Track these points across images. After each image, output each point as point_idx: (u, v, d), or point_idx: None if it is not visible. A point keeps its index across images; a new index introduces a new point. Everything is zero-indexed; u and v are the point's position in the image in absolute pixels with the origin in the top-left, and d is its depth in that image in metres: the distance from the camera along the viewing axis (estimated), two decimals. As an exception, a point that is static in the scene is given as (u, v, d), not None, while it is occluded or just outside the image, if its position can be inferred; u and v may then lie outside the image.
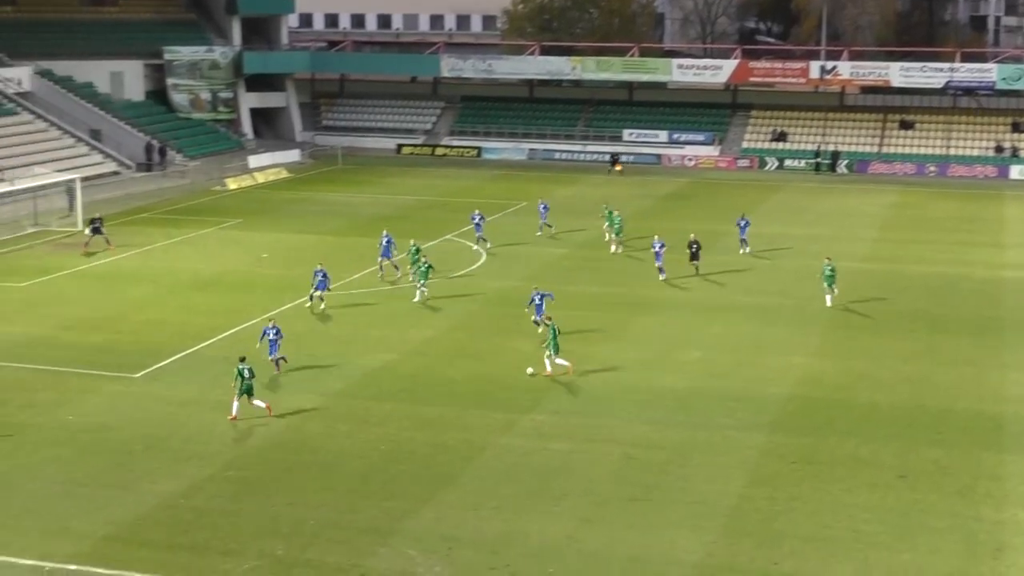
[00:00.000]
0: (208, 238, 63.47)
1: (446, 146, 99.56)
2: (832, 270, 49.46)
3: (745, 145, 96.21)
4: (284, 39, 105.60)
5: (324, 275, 47.92)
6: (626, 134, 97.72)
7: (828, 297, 49.23)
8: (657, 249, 53.53)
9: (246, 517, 29.37)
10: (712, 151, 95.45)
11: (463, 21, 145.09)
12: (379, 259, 53.39)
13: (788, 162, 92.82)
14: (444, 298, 50.25)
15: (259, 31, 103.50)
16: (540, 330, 42.94)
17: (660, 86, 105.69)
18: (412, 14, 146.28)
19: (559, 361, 40.09)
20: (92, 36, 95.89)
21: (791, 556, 27.71)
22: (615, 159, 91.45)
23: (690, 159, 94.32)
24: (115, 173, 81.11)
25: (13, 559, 27.00)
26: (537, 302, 44.19)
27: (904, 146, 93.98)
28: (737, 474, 32.25)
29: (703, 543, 28.25)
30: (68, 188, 68.18)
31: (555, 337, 40.09)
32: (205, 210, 72.26)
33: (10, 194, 66.49)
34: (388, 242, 53.38)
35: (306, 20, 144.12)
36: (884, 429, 35.72)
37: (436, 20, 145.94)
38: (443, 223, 64.86)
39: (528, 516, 29.58)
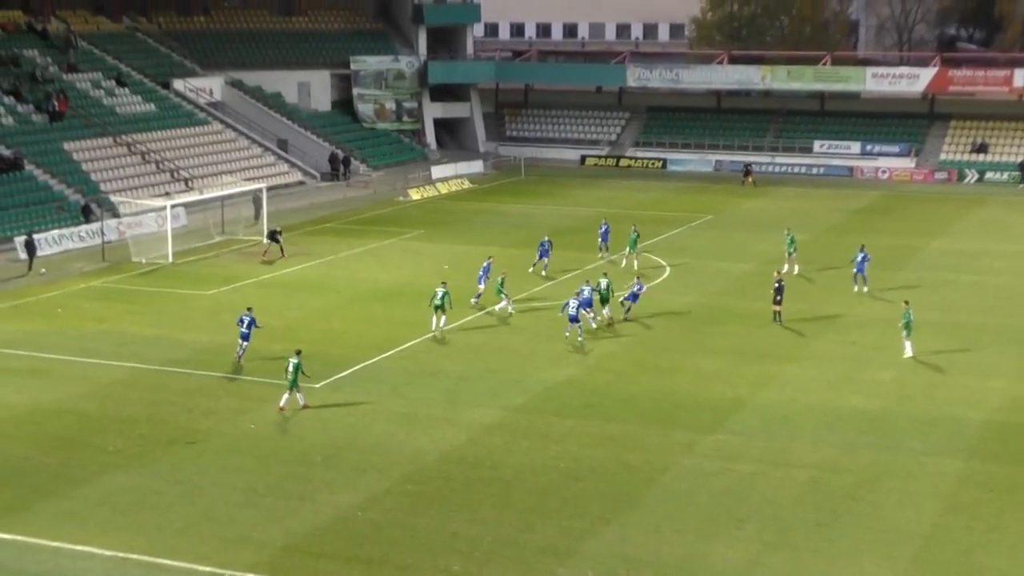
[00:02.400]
0: (390, 249, 64.31)
1: (630, 157, 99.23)
2: (910, 317, 43.64)
3: (943, 157, 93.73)
4: (469, 49, 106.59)
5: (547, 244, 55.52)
6: (817, 145, 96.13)
7: (907, 345, 43.80)
8: (637, 290, 49.46)
9: (423, 532, 29.51)
10: (907, 163, 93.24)
11: (650, 30, 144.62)
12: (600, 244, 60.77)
13: (989, 175, 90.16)
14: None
15: (444, 41, 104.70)
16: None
17: (853, 96, 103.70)
18: (598, 23, 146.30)
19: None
20: (281, 47, 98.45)
21: (988, 591, 26.75)
22: (748, 169, 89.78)
23: (884, 171, 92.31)
24: (300, 183, 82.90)
25: (193, 566, 27.60)
26: (586, 295, 46.89)
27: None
28: (931, 502, 31.28)
29: (894, 572, 27.44)
30: (255, 197, 69.84)
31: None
32: (387, 220, 73.30)
33: (200, 202, 68.37)
34: (607, 229, 61.31)
35: (492, 29, 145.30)
36: (1091, 459, 34.32)
37: (623, 29, 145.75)
38: (626, 236, 64.52)
39: (710, 539, 29.13)
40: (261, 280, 56.62)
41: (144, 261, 60.03)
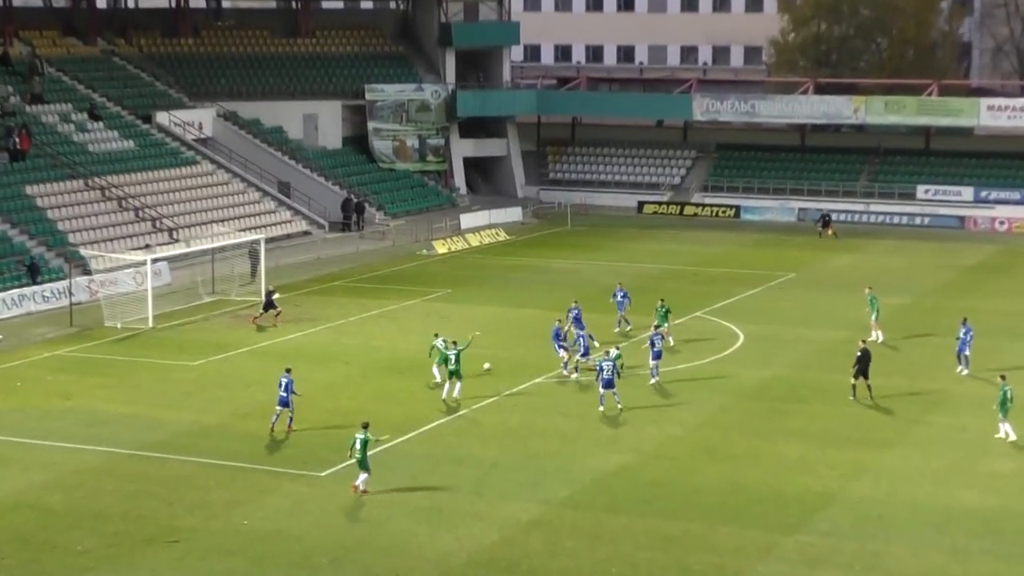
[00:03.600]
0: (411, 311, 64.57)
1: (697, 204, 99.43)
2: (1008, 395, 43.90)
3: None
4: (506, 76, 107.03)
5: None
6: (920, 191, 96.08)
7: (1003, 427, 43.97)
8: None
9: (447, 649, 29.58)
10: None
11: (720, 53, 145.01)
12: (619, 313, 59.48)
13: None
14: (690, 388, 50.00)
15: (477, 66, 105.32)
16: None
17: (965, 132, 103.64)
18: (659, 45, 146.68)
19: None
20: (284, 73, 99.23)
21: None
22: (827, 220, 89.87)
23: (1002, 222, 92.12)
24: (305, 233, 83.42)
25: None
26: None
27: None
28: (1058, 619, 31.14)
29: None
30: (251, 250, 70.22)
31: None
32: (408, 278, 73.62)
33: (185, 256, 68.90)
34: (624, 296, 59.58)
35: (533, 53, 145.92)
36: None
37: (688, 52, 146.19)
38: (691, 297, 64.60)
39: (791, 661, 29.07)
40: (256, 348, 56.93)
41: (119, 326, 60.45)
